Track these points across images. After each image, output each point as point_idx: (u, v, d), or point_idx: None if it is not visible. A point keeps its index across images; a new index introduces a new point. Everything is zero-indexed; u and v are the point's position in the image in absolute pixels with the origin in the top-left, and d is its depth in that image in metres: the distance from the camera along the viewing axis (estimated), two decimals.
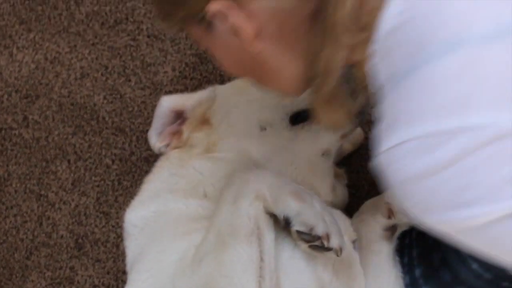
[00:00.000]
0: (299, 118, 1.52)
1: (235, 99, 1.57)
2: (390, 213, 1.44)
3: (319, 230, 1.23)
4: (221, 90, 1.65)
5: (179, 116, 1.61)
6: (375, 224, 1.47)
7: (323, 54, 1.01)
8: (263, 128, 1.52)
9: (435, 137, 0.86)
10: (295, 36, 1.04)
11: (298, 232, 1.24)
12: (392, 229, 1.45)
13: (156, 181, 1.55)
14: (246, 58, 1.10)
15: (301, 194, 1.28)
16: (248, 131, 1.52)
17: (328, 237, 1.23)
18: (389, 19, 0.92)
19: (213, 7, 1.01)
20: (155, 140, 1.60)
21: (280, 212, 1.26)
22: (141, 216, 1.49)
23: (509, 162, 0.84)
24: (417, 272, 1.43)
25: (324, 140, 1.53)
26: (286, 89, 1.22)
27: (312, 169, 1.52)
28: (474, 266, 1.30)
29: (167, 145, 1.59)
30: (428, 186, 0.89)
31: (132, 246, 1.48)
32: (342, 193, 1.69)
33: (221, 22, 1.03)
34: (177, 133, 1.60)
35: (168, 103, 1.61)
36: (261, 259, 1.24)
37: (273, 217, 1.29)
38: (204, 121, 1.58)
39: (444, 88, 0.85)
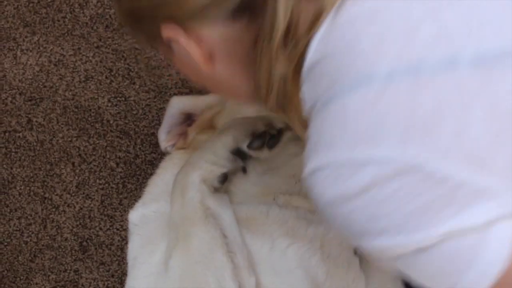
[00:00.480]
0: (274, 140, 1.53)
1: (244, 108, 1.58)
2: None
3: (259, 127, 1.33)
4: None
5: (188, 118, 1.63)
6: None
7: (262, 75, 1.06)
8: None
9: (347, 166, 0.91)
10: (243, 59, 1.09)
11: (251, 147, 1.33)
12: None
13: (159, 183, 1.56)
14: (205, 76, 1.14)
15: (224, 126, 1.38)
16: None
17: (271, 125, 1.33)
18: (311, 53, 0.97)
19: (164, 33, 1.06)
20: (163, 139, 1.63)
21: (226, 156, 1.36)
22: (141, 214, 1.51)
23: (413, 198, 0.88)
24: None
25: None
26: (246, 101, 1.30)
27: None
28: None
29: (173, 145, 1.62)
30: (344, 211, 0.94)
31: (130, 247, 1.50)
32: None
33: (176, 45, 1.08)
34: (184, 134, 1.61)
35: (179, 104, 1.64)
36: (224, 236, 1.29)
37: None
38: (211, 126, 1.59)
39: (354, 120, 0.91)
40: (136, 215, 1.51)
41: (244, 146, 1.35)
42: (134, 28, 1.14)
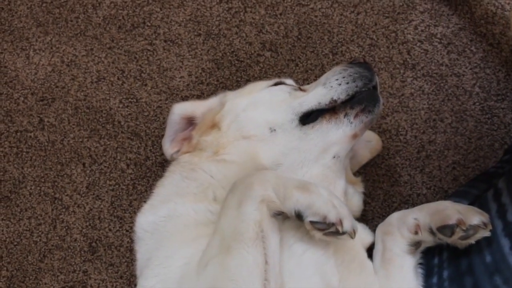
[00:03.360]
0: (309, 118, 1.52)
1: (244, 103, 1.58)
2: (418, 229, 1.43)
3: (332, 217, 1.26)
4: (230, 95, 1.67)
5: (191, 123, 1.63)
6: (401, 239, 1.46)
7: None
8: (272, 130, 1.51)
9: None
10: None
11: (312, 222, 1.26)
12: (417, 244, 1.45)
13: (167, 185, 1.56)
14: None
15: (306, 186, 1.30)
16: (257, 133, 1.52)
17: (341, 222, 1.26)
18: None
19: None
20: (168, 147, 1.63)
21: (291, 208, 1.28)
22: (151, 221, 1.50)
23: None
24: (445, 273, 1.43)
25: (334, 139, 1.52)
26: None
27: (323, 172, 1.51)
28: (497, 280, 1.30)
29: (178, 151, 1.62)
30: None
31: (142, 250, 1.49)
32: (357, 201, 1.68)
33: None
34: (188, 139, 1.62)
35: (179, 110, 1.65)
36: (266, 262, 1.24)
37: (279, 220, 1.32)
38: (214, 125, 1.59)
39: None
40: (145, 221, 1.50)
41: (308, 219, 1.28)
42: None
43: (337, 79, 1.52)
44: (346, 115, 1.49)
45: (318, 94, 1.52)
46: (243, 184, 1.33)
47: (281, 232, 1.32)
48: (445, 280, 1.42)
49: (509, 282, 1.31)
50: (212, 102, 1.67)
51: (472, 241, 1.36)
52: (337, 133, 1.50)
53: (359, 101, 1.50)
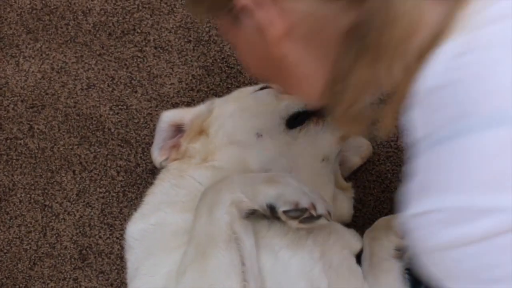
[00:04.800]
0: (296, 121, 1.52)
1: (231, 109, 1.58)
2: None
3: (304, 203, 1.27)
4: (218, 101, 1.66)
5: (179, 130, 1.64)
6: (387, 243, 1.46)
7: (353, 74, 0.96)
8: (259, 135, 1.51)
9: (467, 212, 0.84)
10: (326, 45, 0.98)
11: (285, 212, 1.27)
12: (404, 249, 1.45)
13: (157, 194, 1.56)
14: (270, 58, 1.03)
15: (273, 177, 1.32)
16: (244, 139, 1.52)
17: (314, 206, 1.27)
18: (434, 75, 0.88)
19: (242, 1, 0.96)
20: (157, 155, 1.63)
21: (262, 204, 1.29)
22: (140, 228, 1.50)
23: None
24: None
25: (323, 143, 1.52)
26: (308, 97, 1.20)
27: (312, 176, 1.51)
28: None
29: (167, 159, 1.62)
30: (455, 257, 0.87)
31: (131, 259, 1.50)
32: (347, 206, 1.69)
33: (249, 17, 0.97)
34: (176, 146, 1.63)
35: (168, 118, 1.65)
36: (243, 264, 1.25)
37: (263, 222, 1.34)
38: (201, 132, 1.60)
39: (481, 164, 0.83)
40: (135, 229, 1.51)
41: (280, 209, 1.29)
42: None
43: None
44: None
45: None
46: (212, 191, 1.34)
47: (267, 238, 1.34)
48: None
49: None
50: (200, 109, 1.66)
51: None
52: (325, 136, 1.50)
53: None
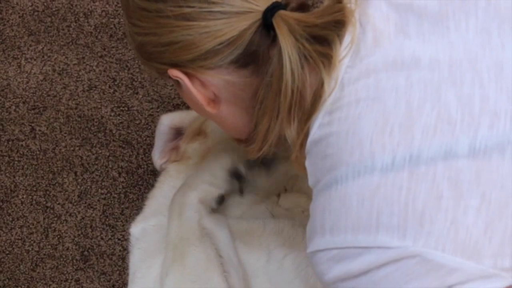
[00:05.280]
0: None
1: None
2: None
3: None
4: None
5: (179, 133, 1.64)
6: None
7: (261, 124, 1.10)
8: None
9: (351, 249, 0.96)
10: (244, 103, 1.14)
11: (247, 166, 1.40)
12: None
13: (158, 197, 1.58)
14: (209, 113, 1.19)
15: (221, 151, 1.43)
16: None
17: None
18: (314, 129, 1.02)
19: (171, 73, 1.11)
20: (157, 158, 1.64)
21: (226, 181, 1.40)
22: (141, 228, 1.53)
23: (409, 279, 0.93)
24: None
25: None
26: (240, 138, 1.30)
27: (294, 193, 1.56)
28: None
29: (167, 161, 1.62)
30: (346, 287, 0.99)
31: (132, 261, 1.52)
32: None
33: (183, 83, 1.12)
34: (176, 148, 1.63)
35: (167, 121, 1.65)
36: (220, 256, 1.31)
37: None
38: (200, 132, 1.61)
39: (356, 207, 0.94)
40: (137, 229, 1.53)
41: (241, 166, 1.36)
42: (145, 63, 1.17)
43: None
44: None
45: None
46: (178, 194, 1.41)
47: (262, 237, 1.38)
48: None
49: None
50: None
51: None
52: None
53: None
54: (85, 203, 1.94)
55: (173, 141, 1.64)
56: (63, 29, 2.05)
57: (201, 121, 1.60)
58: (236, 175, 1.38)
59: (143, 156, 1.95)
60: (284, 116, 1.05)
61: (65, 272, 1.91)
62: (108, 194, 1.94)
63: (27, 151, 1.99)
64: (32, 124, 2.00)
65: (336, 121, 0.98)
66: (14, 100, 2.02)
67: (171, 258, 1.32)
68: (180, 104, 1.96)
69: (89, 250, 1.91)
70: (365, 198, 0.94)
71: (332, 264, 0.99)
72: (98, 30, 2.04)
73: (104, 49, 2.03)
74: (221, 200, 1.40)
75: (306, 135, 1.04)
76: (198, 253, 1.30)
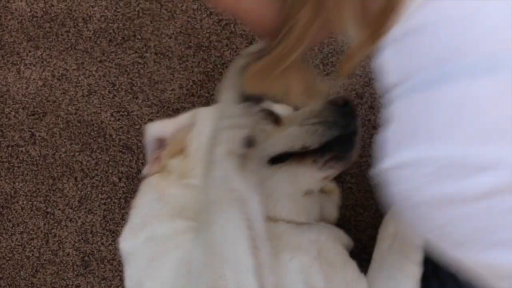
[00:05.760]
0: (278, 159, 1.44)
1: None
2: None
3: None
4: (201, 114, 1.59)
5: (162, 143, 1.59)
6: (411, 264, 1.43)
7: (299, 16, 0.92)
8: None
9: (461, 165, 0.76)
10: None
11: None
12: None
13: (143, 207, 1.51)
14: (233, 4, 1.04)
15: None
16: None
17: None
18: (409, 15, 0.81)
19: None
20: (145, 169, 1.59)
21: (245, 114, 1.22)
22: (134, 245, 1.44)
23: None
24: None
25: (304, 181, 1.46)
26: (260, 34, 1.16)
27: (291, 207, 1.45)
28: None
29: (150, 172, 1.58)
30: (446, 217, 0.80)
31: (129, 272, 1.44)
32: (331, 209, 1.65)
33: None
34: (157, 158, 1.58)
35: (151, 131, 1.59)
36: (250, 228, 1.13)
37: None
38: (182, 149, 1.53)
39: (477, 112, 0.75)
40: (127, 246, 1.45)
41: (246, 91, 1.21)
42: None
43: (313, 123, 1.41)
44: (315, 161, 1.42)
45: (292, 135, 1.43)
46: (205, 152, 1.25)
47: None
48: None
49: None
50: (182, 120, 1.59)
51: None
52: (305, 176, 1.45)
53: (330, 147, 1.41)
54: (86, 208, 1.94)
55: (156, 151, 1.59)
56: (62, 35, 2.05)
57: (183, 134, 1.54)
58: (248, 99, 1.20)
59: (143, 161, 1.95)
60: (335, 3, 0.86)
61: (66, 278, 1.90)
62: (109, 199, 1.94)
63: (27, 157, 1.99)
64: (32, 130, 2.00)
65: (445, 7, 0.78)
66: (13, 106, 2.02)
67: (200, 229, 1.19)
68: (179, 108, 1.96)
69: (90, 256, 1.91)
70: (493, 101, 0.74)
71: (427, 182, 0.79)
72: (97, 35, 2.04)
73: (104, 54, 2.02)
74: (250, 142, 1.21)
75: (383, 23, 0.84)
76: (225, 221, 1.13)
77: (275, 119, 1.47)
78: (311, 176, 1.44)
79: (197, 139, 1.50)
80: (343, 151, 1.43)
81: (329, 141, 1.40)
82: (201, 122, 1.54)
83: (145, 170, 1.61)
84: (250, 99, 1.23)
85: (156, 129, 1.60)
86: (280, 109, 1.54)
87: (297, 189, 1.45)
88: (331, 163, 1.43)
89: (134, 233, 1.46)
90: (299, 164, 1.42)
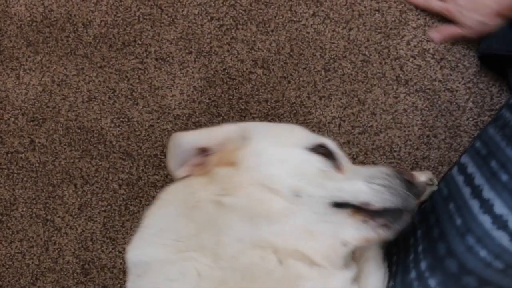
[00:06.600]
0: (340, 205, 1.37)
1: (275, 156, 1.42)
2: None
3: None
4: (257, 133, 1.50)
5: (203, 151, 1.52)
6: None
7: None
8: (297, 195, 1.35)
9: None
10: None
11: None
12: None
13: (162, 219, 1.40)
14: None
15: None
16: (280, 189, 1.36)
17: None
18: None
19: None
20: (178, 172, 1.48)
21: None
22: (143, 261, 1.34)
23: None
24: (423, 265, 1.43)
25: (346, 233, 1.45)
26: None
27: (327, 251, 1.37)
28: (482, 254, 1.30)
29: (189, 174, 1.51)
30: None
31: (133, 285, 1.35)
32: (375, 280, 1.62)
33: None
34: (201, 164, 1.48)
35: (192, 140, 1.50)
36: None
37: None
38: (232, 162, 1.43)
39: None
40: (135, 258, 1.36)
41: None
42: None
43: (383, 185, 1.39)
44: (365, 221, 1.36)
45: (357, 189, 1.38)
46: None
47: None
48: (424, 271, 1.42)
49: (481, 240, 1.32)
50: (229, 131, 1.50)
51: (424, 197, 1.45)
52: (350, 230, 1.41)
53: (384, 214, 1.37)
54: (86, 215, 1.93)
55: (198, 156, 1.53)
56: (61, 40, 2.04)
57: (235, 146, 1.46)
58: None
59: (143, 167, 1.94)
60: None
61: (66, 286, 1.90)
62: (109, 207, 1.93)
63: (26, 164, 1.98)
64: (31, 136, 1.99)
65: None
66: (13, 112, 2.01)
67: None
68: (180, 114, 1.94)
69: (90, 263, 1.90)
70: None
71: None
72: (97, 41, 2.03)
73: (104, 60, 2.01)
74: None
75: None
76: None
77: (333, 159, 1.45)
78: (355, 233, 1.39)
79: (254, 158, 1.42)
80: (393, 222, 1.37)
81: (387, 209, 1.36)
82: (259, 142, 1.46)
83: (178, 173, 1.49)
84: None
85: (197, 139, 1.52)
86: (332, 145, 1.51)
87: (337, 237, 1.38)
88: (379, 228, 1.36)
89: (144, 243, 1.38)
90: (351, 217, 1.38)
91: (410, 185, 1.41)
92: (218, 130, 1.52)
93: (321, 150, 1.44)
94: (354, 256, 1.45)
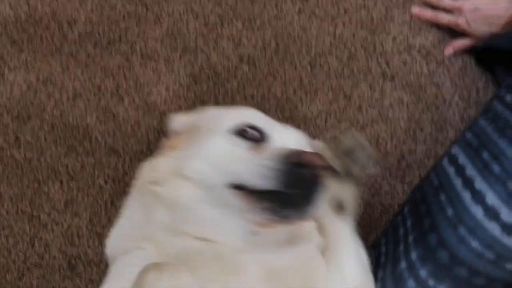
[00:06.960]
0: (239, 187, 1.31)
1: (193, 142, 1.41)
2: None
3: None
4: (201, 120, 1.50)
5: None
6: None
7: None
8: (205, 183, 1.33)
9: None
10: None
11: None
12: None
13: (128, 207, 1.47)
14: None
15: None
16: (192, 175, 1.35)
17: None
18: None
19: None
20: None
21: None
22: (112, 255, 1.38)
23: None
24: (414, 255, 1.44)
25: (245, 215, 1.29)
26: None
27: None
28: (474, 244, 1.31)
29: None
30: None
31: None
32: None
33: None
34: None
35: (172, 123, 1.49)
36: None
37: None
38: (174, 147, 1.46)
39: None
40: (109, 251, 1.40)
41: None
42: None
43: (262, 166, 1.28)
44: (252, 203, 1.27)
45: (241, 170, 1.31)
46: None
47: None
48: (415, 261, 1.43)
49: (473, 231, 1.33)
50: (192, 118, 1.53)
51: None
52: (247, 214, 1.27)
53: (270, 198, 1.26)
54: (71, 211, 1.92)
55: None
56: (46, 38, 2.04)
57: (185, 134, 1.48)
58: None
59: (129, 163, 1.94)
60: None
61: (52, 281, 1.89)
62: (95, 202, 1.93)
63: (11, 161, 1.97)
64: (17, 133, 1.98)
65: None
66: None
67: None
68: (166, 111, 1.95)
69: (76, 259, 1.89)
70: None
71: None
72: (82, 39, 2.03)
73: (89, 57, 2.01)
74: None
75: None
76: None
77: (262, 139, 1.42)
78: (251, 214, 1.28)
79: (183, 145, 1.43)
80: (280, 207, 1.26)
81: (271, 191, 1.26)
82: (199, 128, 1.46)
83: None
84: None
85: (176, 120, 1.51)
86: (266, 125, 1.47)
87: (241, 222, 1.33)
88: (267, 213, 1.26)
89: (121, 238, 1.40)
90: (244, 199, 1.28)
91: (301, 168, 1.26)
92: (188, 115, 1.53)
93: (246, 133, 1.38)
94: (322, 230, 1.40)
